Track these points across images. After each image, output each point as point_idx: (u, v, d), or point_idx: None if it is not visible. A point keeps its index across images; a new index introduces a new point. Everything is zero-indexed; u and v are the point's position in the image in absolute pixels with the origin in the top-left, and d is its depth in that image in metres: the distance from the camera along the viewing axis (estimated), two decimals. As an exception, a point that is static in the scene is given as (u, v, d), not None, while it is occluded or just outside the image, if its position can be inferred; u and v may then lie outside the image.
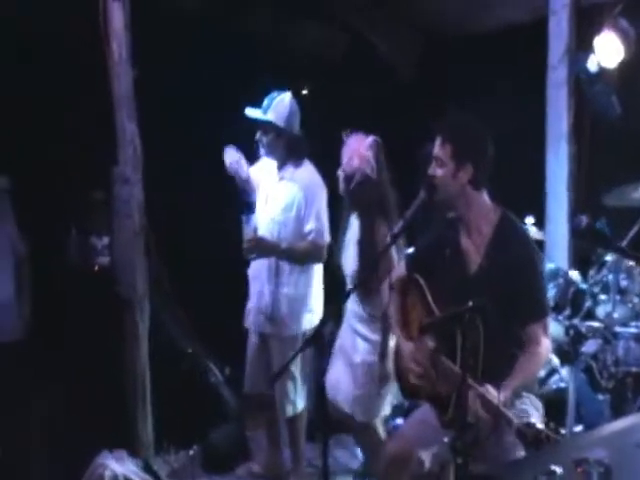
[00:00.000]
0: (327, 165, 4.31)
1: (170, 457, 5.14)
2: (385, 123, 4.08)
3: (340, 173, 4.06)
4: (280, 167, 4.49)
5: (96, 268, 5.67)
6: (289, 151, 4.43)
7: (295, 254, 4.43)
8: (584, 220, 2.28)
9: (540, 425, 2.66)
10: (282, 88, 4.51)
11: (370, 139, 4.01)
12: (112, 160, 4.66)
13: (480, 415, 2.83)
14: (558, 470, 2.15)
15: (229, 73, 5.10)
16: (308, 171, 4.47)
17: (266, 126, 4.40)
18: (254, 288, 4.59)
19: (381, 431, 4.25)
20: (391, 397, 4.16)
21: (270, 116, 4.38)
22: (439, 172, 3.16)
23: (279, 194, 4.47)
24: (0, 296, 5.25)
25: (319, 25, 6.14)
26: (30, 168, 5.14)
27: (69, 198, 5.52)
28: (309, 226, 4.39)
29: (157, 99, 4.90)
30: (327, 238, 4.40)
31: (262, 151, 4.50)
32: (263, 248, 4.43)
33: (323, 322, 3.16)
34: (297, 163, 4.44)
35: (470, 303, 2.69)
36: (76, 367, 5.10)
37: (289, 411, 4.56)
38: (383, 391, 4.07)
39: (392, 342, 3.87)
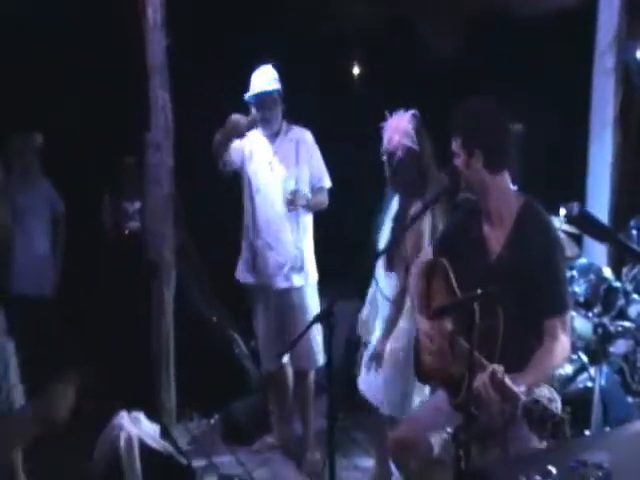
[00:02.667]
0: (371, 146, 4.25)
1: (191, 424, 5.20)
2: (426, 105, 3.97)
3: (383, 154, 3.99)
4: (278, 132, 4.55)
5: (127, 232, 5.72)
6: (283, 114, 4.56)
7: (317, 203, 4.61)
8: (575, 207, 2.19)
9: (547, 403, 2.59)
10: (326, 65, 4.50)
11: (408, 113, 3.93)
12: (144, 126, 4.67)
13: (492, 396, 2.75)
14: (554, 471, 2.09)
15: (266, 46, 5.05)
16: (297, 126, 4.62)
17: (273, 98, 4.46)
18: (272, 244, 4.56)
19: None
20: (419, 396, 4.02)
21: (276, 86, 4.48)
22: (457, 162, 3.15)
23: (287, 154, 4.53)
24: (37, 251, 5.39)
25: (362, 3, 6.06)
26: (65, 132, 5.20)
27: (104, 163, 5.56)
28: (318, 173, 4.60)
29: (189, 67, 4.89)
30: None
31: (264, 125, 4.51)
32: (301, 199, 4.50)
33: (334, 300, 3.07)
34: (287, 122, 4.58)
35: (478, 291, 2.61)
36: (102, 329, 5.17)
37: (320, 360, 4.62)
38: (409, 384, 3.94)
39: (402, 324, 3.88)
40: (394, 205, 4.07)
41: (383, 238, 4.04)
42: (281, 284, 4.58)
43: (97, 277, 5.47)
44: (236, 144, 4.53)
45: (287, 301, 4.61)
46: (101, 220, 5.94)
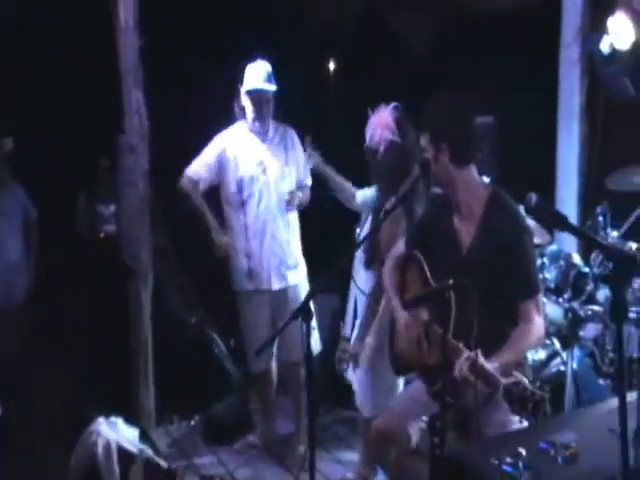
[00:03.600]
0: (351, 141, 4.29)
1: (172, 427, 5.20)
2: (401, 100, 4.00)
3: (366, 152, 4.01)
4: (268, 129, 4.58)
5: (102, 235, 5.71)
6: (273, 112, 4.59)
7: (304, 201, 4.68)
8: (534, 198, 2.24)
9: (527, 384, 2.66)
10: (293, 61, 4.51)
11: (389, 107, 3.95)
12: (119, 129, 4.68)
13: (468, 376, 2.81)
14: (523, 452, 2.15)
15: (237, 43, 5.07)
16: (282, 125, 4.66)
17: (270, 96, 4.50)
18: (265, 246, 4.57)
19: None
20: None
21: (274, 86, 4.51)
22: (426, 157, 3.22)
23: (277, 153, 4.57)
24: (10, 257, 5.35)
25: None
26: (39, 135, 5.18)
27: (77, 166, 5.54)
28: (304, 171, 4.66)
29: (164, 69, 4.89)
30: None
31: (259, 123, 4.52)
32: (297, 199, 4.59)
33: (311, 294, 3.09)
34: (275, 120, 4.61)
35: (450, 281, 2.67)
36: (79, 334, 5.16)
37: (318, 347, 4.65)
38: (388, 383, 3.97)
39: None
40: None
41: (364, 232, 4.07)
42: (278, 285, 4.61)
43: (72, 281, 5.45)
44: (207, 159, 4.54)
45: (282, 300, 4.63)
46: (75, 224, 5.92)
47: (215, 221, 4.59)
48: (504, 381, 2.70)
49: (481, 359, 2.81)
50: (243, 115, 4.57)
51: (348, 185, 4.46)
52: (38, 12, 4.95)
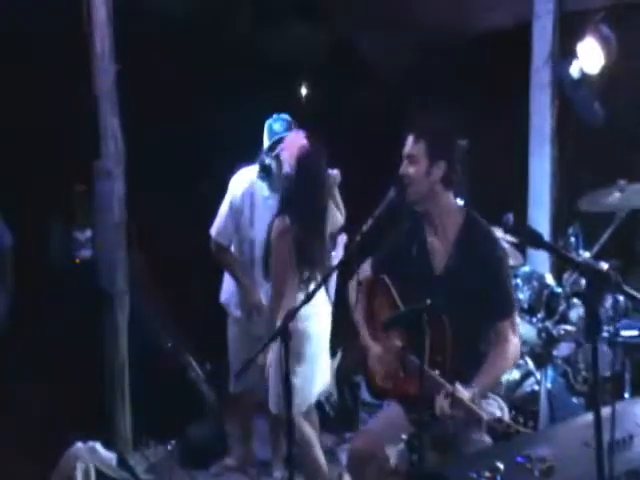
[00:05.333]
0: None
1: (148, 452, 5.15)
2: (371, 125, 4.07)
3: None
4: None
5: (77, 261, 5.69)
6: None
7: None
8: (511, 218, 2.30)
9: (509, 420, 2.70)
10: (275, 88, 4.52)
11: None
12: (94, 154, 4.68)
13: (449, 412, 2.84)
14: (501, 466, 2.18)
15: (212, 72, 5.13)
16: None
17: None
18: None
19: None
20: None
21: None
22: (411, 170, 3.15)
23: (268, 209, 4.40)
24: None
25: (303, 26, 6.17)
26: (13, 161, 5.17)
27: (52, 191, 5.53)
28: None
29: (140, 94, 4.92)
30: None
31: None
32: None
33: (290, 315, 3.11)
34: None
35: (428, 301, 2.70)
36: (55, 360, 5.12)
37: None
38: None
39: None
40: None
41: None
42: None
43: (48, 307, 5.42)
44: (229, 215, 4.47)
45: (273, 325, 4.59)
46: (50, 249, 5.89)
47: (247, 279, 4.51)
48: (486, 417, 2.73)
49: (460, 392, 2.83)
50: (266, 174, 4.40)
51: None
52: (16, 38, 4.96)
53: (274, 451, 4.83)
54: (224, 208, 4.51)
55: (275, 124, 4.42)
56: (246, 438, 4.94)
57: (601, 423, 2.02)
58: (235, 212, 4.48)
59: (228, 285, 4.68)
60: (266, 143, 4.40)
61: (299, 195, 3.97)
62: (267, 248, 3.98)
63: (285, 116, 4.48)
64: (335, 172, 4.27)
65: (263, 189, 4.41)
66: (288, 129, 4.37)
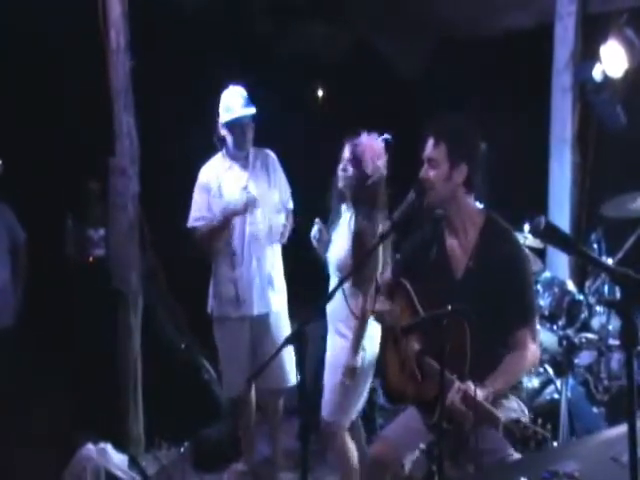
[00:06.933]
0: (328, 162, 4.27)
1: (160, 453, 5.12)
2: (389, 124, 4.01)
3: (350, 169, 4.01)
4: (248, 155, 4.51)
5: (91, 259, 5.66)
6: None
7: (291, 227, 4.63)
8: (542, 221, 2.21)
9: (527, 422, 2.62)
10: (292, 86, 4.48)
11: (381, 138, 3.98)
12: (109, 151, 4.65)
13: (464, 412, 2.77)
14: (526, 481, 2.12)
15: (228, 69, 5.08)
16: (262, 149, 4.59)
17: (249, 121, 4.43)
18: (252, 271, 4.50)
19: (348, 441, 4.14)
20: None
21: (253, 109, 4.45)
22: (432, 173, 3.09)
23: (260, 178, 4.49)
24: (-3, 281, 5.28)
25: (322, 25, 6.13)
26: (28, 158, 5.15)
27: (66, 189, 5.50)
28: (286, 195, 4.61)
29: (155, 92, 4.89)
30: None
31: (239, 149, 4.46)
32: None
33: (306, 321, 3.04)
34: (254, 146, 4.54)
35: (449, 307, 2.63)
36: (68, 359, 5.10)
37: (291, 380, 4.52)
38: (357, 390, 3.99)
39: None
40: (344, 218, 4.09)
41: (336, 253, 4.04)
42: (261, 309, 4.52)
43: (61, 306, 5.39)
44: (198, 200, 4.46)
45: (263, 327, 4.54)
46: (63, 247, 5.87)
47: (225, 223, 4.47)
48: (503, 419, 2.65)
49: (472, 390, 2.76)
50: (222, 145, 4.49)
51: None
52: (30, 36, 4.94)
53: (274, 446, 4.79)
54: (194, 196, 4.50)
55: (232, 99, 4.42)
56: (249, 442, 4.83)
57: (636, 437, 1.93)
58: (203, 190, 4.48)
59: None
60: (222, 115, 4.40)
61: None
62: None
63: (241, 89, 4.45)
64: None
65: (225, 161, 4.47)
66: (246, 105, 4.40)
